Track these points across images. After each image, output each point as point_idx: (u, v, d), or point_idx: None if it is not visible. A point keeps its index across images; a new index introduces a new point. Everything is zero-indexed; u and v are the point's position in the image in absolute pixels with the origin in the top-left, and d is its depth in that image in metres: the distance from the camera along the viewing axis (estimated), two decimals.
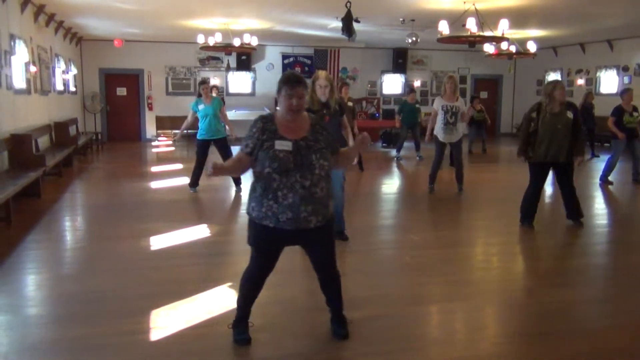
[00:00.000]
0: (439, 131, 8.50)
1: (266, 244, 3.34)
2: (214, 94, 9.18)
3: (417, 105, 13.16)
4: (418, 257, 5.49)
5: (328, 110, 5.30)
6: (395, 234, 6.69)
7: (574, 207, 6.53)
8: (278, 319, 3.91)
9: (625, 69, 16.04)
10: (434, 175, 8.74)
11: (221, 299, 4.21)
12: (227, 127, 8.91)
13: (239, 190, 8.62)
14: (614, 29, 14.12)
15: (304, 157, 3.16)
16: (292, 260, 5.35)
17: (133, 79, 17.43)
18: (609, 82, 16.71)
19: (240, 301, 3.51)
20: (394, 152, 13.58)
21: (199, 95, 8.60)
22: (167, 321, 3.80)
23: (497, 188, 9.81)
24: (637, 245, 6.14)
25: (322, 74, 5.35)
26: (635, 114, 9.39)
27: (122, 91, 17.52)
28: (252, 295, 3.48)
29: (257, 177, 3.23)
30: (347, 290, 3.61)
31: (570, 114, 6.18)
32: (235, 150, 3.96)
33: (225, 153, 8.59)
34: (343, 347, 3.43)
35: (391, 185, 10.57)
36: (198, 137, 8.59)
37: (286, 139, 3.18)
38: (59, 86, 13.11)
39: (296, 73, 3.38)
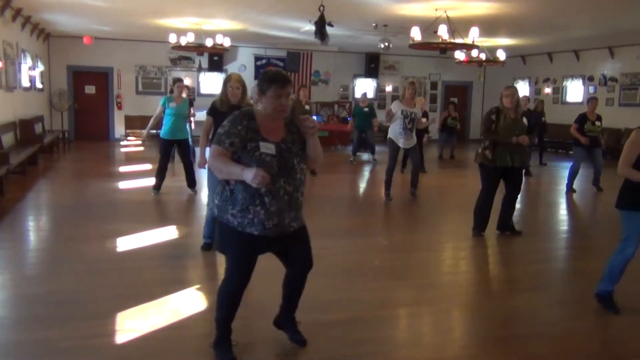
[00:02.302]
0: (396, 136, 8.37)
1: (249, 253, 3.13)
2: (184, 95, 9.09)
3: (366, 109, 13.15)
4: (387, 261, 5.54)
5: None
6: (363, 237, 6.73)
7: (505, 218, 6.48)
8: (248, 322, 3.90)
9: (591, 78, 16.49)
10: (390, 181, 8.55)
11: (188, 302, 4.18)
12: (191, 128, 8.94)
13: (194, 192, 8.55)
14: (580, 40, 14.51)
15: (286, 161, 3.03)
16: (259, 262, 5.35)
17: (102, 77, 17.17)
18: (575, 91, 17.13)
19: (220, 319, 3.26)
20: (366, 156, 13.75)
21: (171, 92, 8.53)
22: (133, 324, 3.75)
23: (464, 193, 9.94)
24: (596, 250, 6.30)
25: (234, 76, 5.36)
26: (597, 123, 9.56)
27: (90, 89, 17.25)
28: (233, 311, 3.25)
29: (237, 181, 2.99)
30: (315, 293, 3.63)
31: (525, 121, 6.31)
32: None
33: (186, 155, 8.55)
34: (310, 351, 3.43)
35: (354, 188, 10.63)
36: (162, 136, 8.48)
37: (269, 141, 3.02)
38: (25, 83, 12.82)
39: (282, 71, 3.23)
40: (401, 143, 8.39)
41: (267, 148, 3.00)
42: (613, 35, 13.34)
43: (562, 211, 8.80)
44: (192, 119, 8.93)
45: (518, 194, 6.47)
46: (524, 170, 6.35)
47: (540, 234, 6.78)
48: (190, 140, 8.85)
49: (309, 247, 3.35)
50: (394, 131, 8.39)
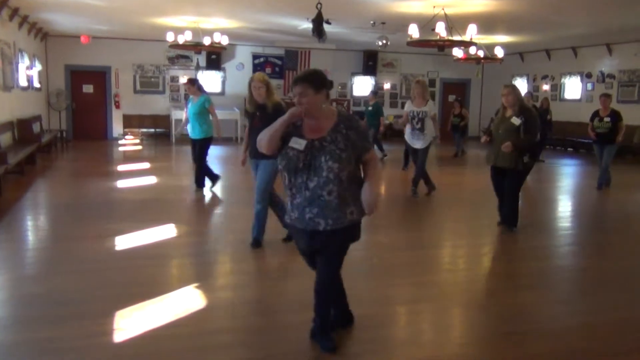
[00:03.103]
0: (408, 137, 8.46)
1: (297, 242, 3.42)
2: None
3: (369, 108, 13.13)
4: (385, 259, 5.53)
5: (262, 112, 5.30)
6: (362, 235, 6.71)
7: (506, 213, 6.52)
8: (244, 321, 3.89)
9: (589, 75, 16.48)
10: (420, 179, 8.55)
11: (186, 301, 4.16)
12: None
13: (200, 190, 8.56)
14: (578, 37, 14.50)
15: (314, 158, 3.09)
16: (256, 261, 5.35)
17: (100, 76, 17.13)
18: (573, 88, 17.13)
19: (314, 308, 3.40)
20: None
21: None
22: (131, 323, 3.74)
23: (464, 191, 9.95)
24: (597, 248, 6.30)
25: (256, 75, 5.38)
26: (606, 119, 9.45)
27: (88, 88, 17.21)
28: (317, 300, 3.36)
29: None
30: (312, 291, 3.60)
31: (516, 120, 6.14)
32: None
33: (196, 154, 8.54)
34: (309, 347, 3.42)
35: None
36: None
37: (303, 137, 3.14)
38: (23, 82, 12.78)
39: (306, 71, 3.25)
40: (413, 144, 8.39)
41: (297, 143, 3.13)
42: (611, 32, 13.32)
43: (562, 208, 8.80)
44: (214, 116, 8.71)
45: (510, 193, 6.38)
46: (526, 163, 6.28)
47: (540, 231, 6.77)
48: (206, 138, 8.49)
49: (333, 255, 3.27)
50: (407, 132, 8.47)
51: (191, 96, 8.61)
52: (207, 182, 8.65)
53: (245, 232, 5.60)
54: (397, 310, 4.27)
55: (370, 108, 13.13)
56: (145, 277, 4.73)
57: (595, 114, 9.69)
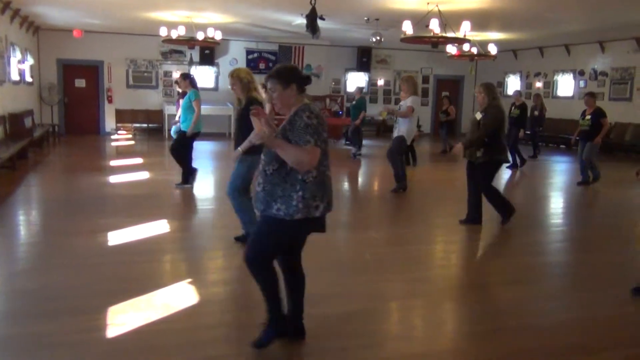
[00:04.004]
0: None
1: None
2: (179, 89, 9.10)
3: (353, 103, 13.76)
4: (378, 255, 5.55)
5: (240, 106, 5.32)
6: (354, 231, 6.74)
7: (469, 208, 6.63)
8: (236, 316, 3.90)
9: (581, 73, 16.56)
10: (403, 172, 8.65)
11: (179, 296, 4.17)
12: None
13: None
14: (571, 35, 14.56)
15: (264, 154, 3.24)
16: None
17: (92, 71, 17.05)
18: (566, 85, 17.21)
19: None
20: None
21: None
22: (124, 318, 3.74)
23: (455, 187, 9.96)
24: (586, 243, 6.35)
25: (230, 71, 5.39)
26: (588, 117, 9.62)
27: (80, 83, 17.13)
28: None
29: None
30: (306, 287, 3.62)
31: (478, 115, 6.36)
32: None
33: (177, 145, 8.57)
34: (301, 343, 3.44)
35: (349, 182, 10.65)
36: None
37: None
38: (14, 76, 12.70)
39: (276, 66, 3.29)
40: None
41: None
42: (604, 29, 13.39)
43: (553, 204, 8.85)
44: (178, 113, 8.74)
45: (481, 188, 6.49)
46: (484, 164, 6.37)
47: (531, 226, 6.81)
48: (184, 131, 8.44)
49: (254, 234, 3.31)
50: None
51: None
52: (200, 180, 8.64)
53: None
54: (389, 305, 4.29)
55: (353, 102, 13.66)
56: (137, 272, 4.73)
57: (583, 112, 9.86)
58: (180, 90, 9.08)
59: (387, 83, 19.75)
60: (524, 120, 12.11)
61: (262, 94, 5.29)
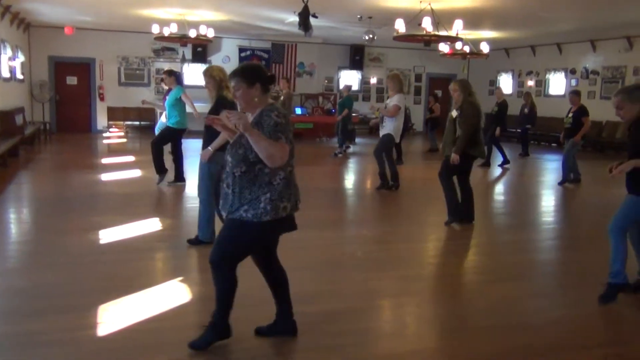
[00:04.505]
0: None
1: None
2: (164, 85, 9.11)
3: (340, 99, 14.09)
4: (370, 253, 5.56)
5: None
6: (346, 229, 6.75)
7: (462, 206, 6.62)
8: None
9: (573, 71, 16.64)
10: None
11: (171, 294, 4.17)
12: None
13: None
14: (562, 33, 14.63)
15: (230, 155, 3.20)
16: None
17: (84, 68, 16.96)
18: (557, 84, 17.29)
19: None
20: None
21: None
22: (115, 316, 3.73)
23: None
24: (576, 241, 6.39)
25: (204, 69, 5.36)
26: (570, 115, 9.60)
27: (72, 80, 17.03)
28: None
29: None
30: (299, 285, 3.63)
31: (454, 113, 6.40)
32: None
33: (158, 139, 8.58)
34: (293, 340, 3.45)
35: (335, 180, 10.66)
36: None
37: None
38: (5, 73, 12.63)
39: (241, 64, 3.30)
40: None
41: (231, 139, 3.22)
42: (595, 28, 13.46)
43: (544, 203, 8.90)
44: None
45: (439, 177, 6.60)
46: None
47: (522, 225, 6.85)
48: (174, 129, 8.43)
49: (220, 237, 3.26)
50: None
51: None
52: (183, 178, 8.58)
53: None
54: (380, 303, 4.31)
55: (340, 99, 13.94)
56: (128, 270, 4.72)
57: (569, 109, 9.83)
58: (166, 87, 9.05)
59: (380, 81, 19.74)
60: (502, 118, 12.06)
61: None
